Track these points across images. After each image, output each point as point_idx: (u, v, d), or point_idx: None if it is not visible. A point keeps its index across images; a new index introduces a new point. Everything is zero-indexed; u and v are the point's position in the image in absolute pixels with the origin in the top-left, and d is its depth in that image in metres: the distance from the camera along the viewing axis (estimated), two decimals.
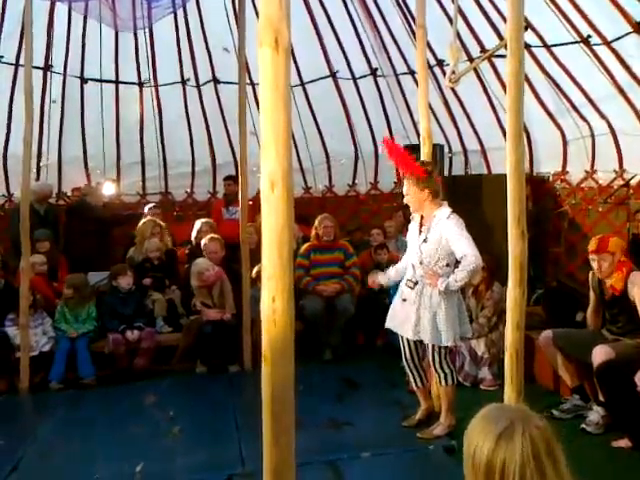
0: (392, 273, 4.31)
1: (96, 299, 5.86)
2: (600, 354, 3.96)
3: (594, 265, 4.28)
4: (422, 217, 4.06)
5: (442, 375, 4.03)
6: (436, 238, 3.90)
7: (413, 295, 3.98)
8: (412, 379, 4.24)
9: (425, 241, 3.95)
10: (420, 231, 4.02)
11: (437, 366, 4.01)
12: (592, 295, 4.53)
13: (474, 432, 1.42)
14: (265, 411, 1.80)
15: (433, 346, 3.97)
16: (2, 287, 5.55)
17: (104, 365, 5.48)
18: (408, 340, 4.10)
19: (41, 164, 7.81)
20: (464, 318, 4.08)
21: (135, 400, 4.94)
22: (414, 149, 5.12)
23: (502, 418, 1.40)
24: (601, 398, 4.06)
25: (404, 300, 4.06)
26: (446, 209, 3.95)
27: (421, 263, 3.96)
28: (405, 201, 4.05)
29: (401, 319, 4.07)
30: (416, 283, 3.98)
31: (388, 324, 4.20)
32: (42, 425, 4.51)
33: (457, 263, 3.91)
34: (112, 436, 4.23)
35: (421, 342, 4.06)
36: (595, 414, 4.05)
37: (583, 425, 4.03)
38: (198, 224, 6.76)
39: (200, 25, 7.53)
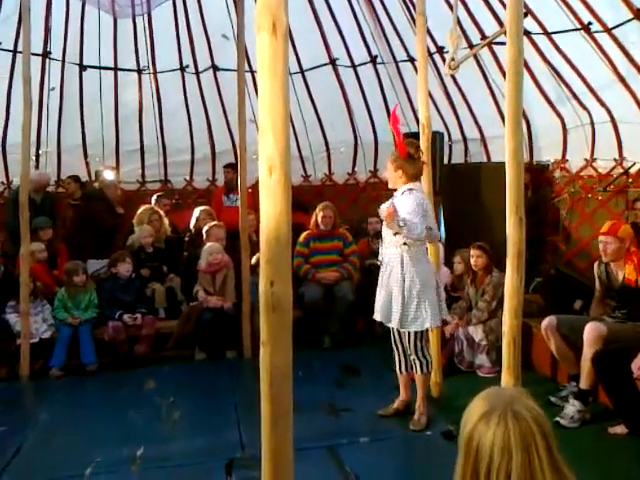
0: None
1: (96, 286, 5.88)
2: (592, 330, 3.98)
3: (600, 247, 4.24)
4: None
5: (418, 362, 4.03)
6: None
7: (384, 278, 3.98)
8: (397, 363, 4.22)
9: None
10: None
11: (412, 352, 4.01)
12: (597, 285, 4.52)
13: (469, 408, 1.45)
14: (263, 394, 1.82)
15: (409, 332, 3.96)
16: (2, 274, 5.57)
17: (104, 352, 5.51)
18: None
19: (40, 152, 7.80)
20: (426, 306, 3.90)
21: (135, 386, 4.98)
22: (414, 137, 5.11)
23: (492, 399, 1.42)
24: (582, 386, 4.05)
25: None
26: (406, 186, 3.92)
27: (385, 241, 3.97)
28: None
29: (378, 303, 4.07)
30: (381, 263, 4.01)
31: (375, 315, 4.13)
32: (43, 411, 4.54)
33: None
34: (113, 421, 4.26)
35: None
36: (571, 407, 4.01)
37: (557, 418, 3.92)
38: (197, 212, 6.77)
39: (199, 11, 7.47)
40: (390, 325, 4.00)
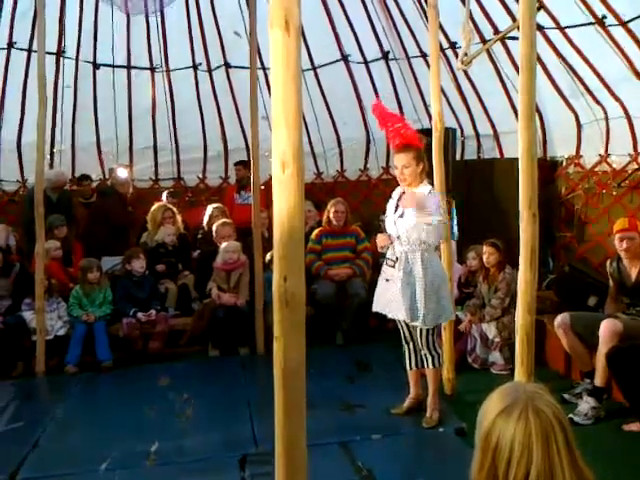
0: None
1: (111, 283, 5.93)
2: (608, 327, 3.96)
3: (623, 244, 4.20)
4: (402, 193, 3.98)
5: (429, 357, 4.01)
6: (413, 214, 3.79)
7: (396, 273, 3.90)
8: (407, 359, 4.19)
9: (402, 216, 3.88)
10: (397, 206, 3.96)
11: (424, 347, 3.98)
12: (611, 282, 4.49)
13: (486, 403, 1.45)
14: (277, 386, 1.83)
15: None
16: (17, 272, 5.63)
17: (119, 348, 5.56)
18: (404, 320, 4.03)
19: (54, 150, 7.87)
20: (444, 300, 3.93)
21: (150, 382, 5.03)
22: (426, 133, 5.11)
23: (511, 395, 1.41)
24: (597, 383, 4.03)
25: (387, 280, 3.99)
26: (426, 186, 3.90)
27: (398, 238, 3.90)
28: (398, 173, 3.93)
29: (387, 299, 3.99)
30: (396, 260, 3.92)
31: (375, 307, 4.13)
32: (59, 406, 4.59)
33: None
34: (127, 417, 4.30)
35: None
36: (585, 405, 3.99)
37: (571, 415, 3.87)
38: (209, 209, 6.81)
39: (211, 9, 7.50)
40: (415, 324, 3.92)
